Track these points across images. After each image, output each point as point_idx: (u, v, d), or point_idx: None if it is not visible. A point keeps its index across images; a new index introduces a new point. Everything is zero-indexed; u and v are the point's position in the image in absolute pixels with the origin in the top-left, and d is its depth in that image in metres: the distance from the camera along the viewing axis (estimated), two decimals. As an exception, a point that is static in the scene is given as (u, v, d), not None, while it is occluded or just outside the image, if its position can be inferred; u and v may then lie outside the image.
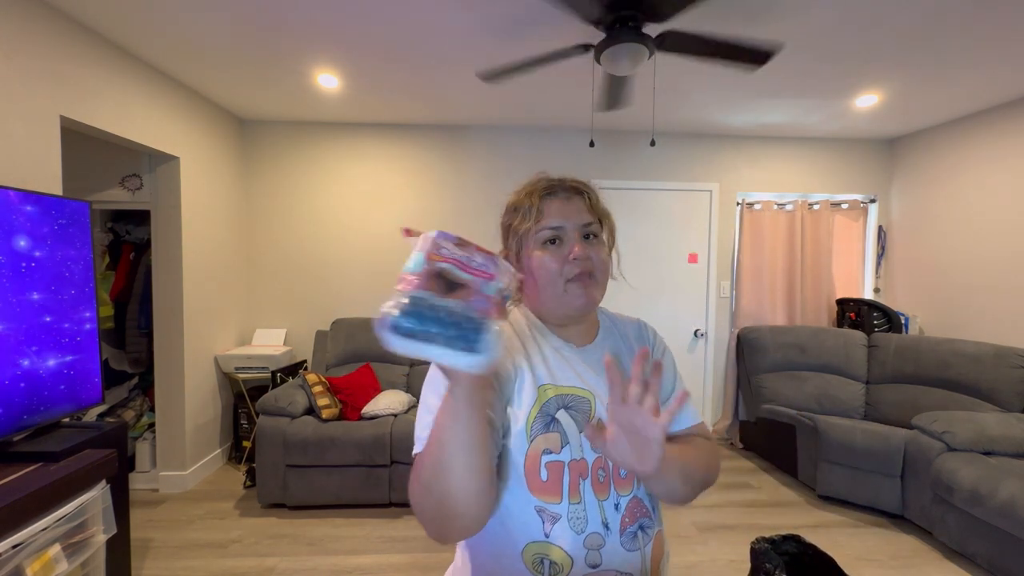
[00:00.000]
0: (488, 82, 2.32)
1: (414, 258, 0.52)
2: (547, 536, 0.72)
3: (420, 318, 0.49)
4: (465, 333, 0.50)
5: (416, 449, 0.71)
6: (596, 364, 0.81)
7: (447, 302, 0.50)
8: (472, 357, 0.50)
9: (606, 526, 0.73)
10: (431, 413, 0.68)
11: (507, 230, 0.83)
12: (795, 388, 3.51)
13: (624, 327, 0.91)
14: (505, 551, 0.73)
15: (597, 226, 0.81)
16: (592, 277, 0.78)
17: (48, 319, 1.76)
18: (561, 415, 0.75)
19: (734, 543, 2.53)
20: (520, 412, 0.74)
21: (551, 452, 0.73)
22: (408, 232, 0.55)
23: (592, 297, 0.78)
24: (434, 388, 0.72)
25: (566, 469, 0.73)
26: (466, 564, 0.79)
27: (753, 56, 2.04)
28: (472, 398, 0.58)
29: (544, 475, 0.72)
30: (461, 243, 0.54)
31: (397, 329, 0.48)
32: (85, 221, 1.93)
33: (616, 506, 0.75)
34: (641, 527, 0.77)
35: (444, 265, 0.52)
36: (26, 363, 1.68)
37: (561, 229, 0.78)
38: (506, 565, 0.73)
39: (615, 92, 2.50)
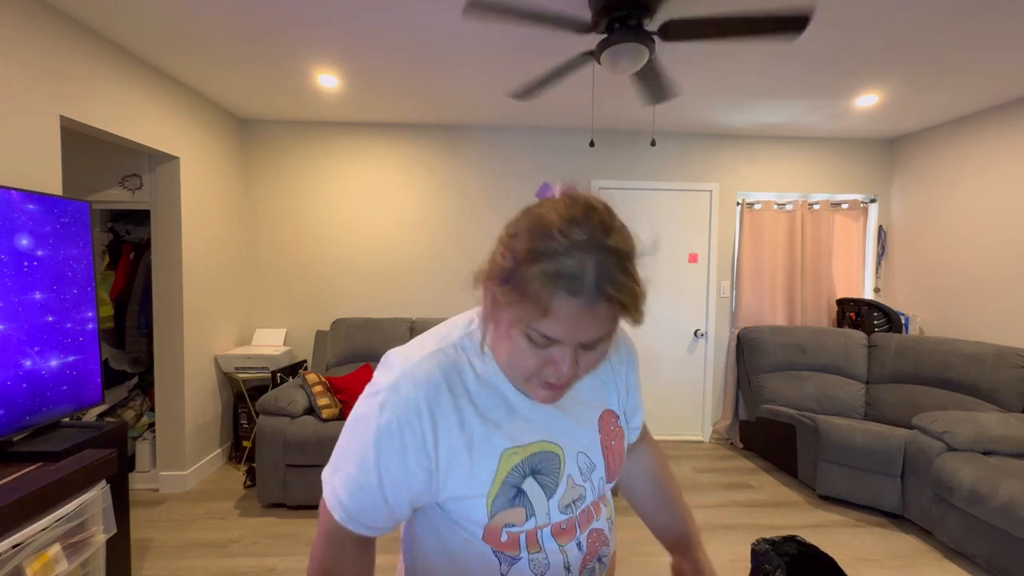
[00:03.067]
0: (471, 12, 1.93)
1: None
2: None
3: None
4: None
5: (337, 513, 0.62)
6: (566, 403, 0.69)
7: None
8: None
9: (568, 569, 0.69)
10: (360, 480, 0.61)
11: (501, 276, 0.56)
12: (795, 388, 3.51)
13: None
14: None
15: (611, 332, 0.58)
16: (567, 387, 0.63)
17: (50, 319, 1.76)
18: (528, 485, 0.65)
19: (734, 543, 2.53)
20: (476, 491, 0.63)
21: (514, 525, 0.64)
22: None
23: (557, 399, 0.65)
24: (368, 454, 0.61)
25: (523, 534, 0.66)
26: (418, 566, 0.72)
27: (787, 24, 1.85)
28: None
29: (503, 538, 0.65)
30: None
31: None
32: (85, 221, 1.93)
33: (579, 545, 0.69)
34: (599, 558, 0.73)
35: None
36: (28, 363, 1.68)
37: (558, 342, 0.56)
38: None
39: (543, 85, 2.44)
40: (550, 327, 0.54)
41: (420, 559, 0.71)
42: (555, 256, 0.52)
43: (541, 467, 0.66)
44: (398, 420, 0.60)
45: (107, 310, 3.23)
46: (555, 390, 0.61)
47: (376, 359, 3.49)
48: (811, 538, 0.82)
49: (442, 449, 0.61)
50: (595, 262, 0.52)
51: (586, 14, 2.10)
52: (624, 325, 0.61)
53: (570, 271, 0.51)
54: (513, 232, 0.56)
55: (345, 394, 3.04)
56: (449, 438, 0.61)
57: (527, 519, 0.64)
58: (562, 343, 0.56)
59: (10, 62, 1.93)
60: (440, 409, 0.61)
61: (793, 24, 1.87)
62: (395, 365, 0.64)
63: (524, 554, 0.65)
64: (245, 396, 3.43)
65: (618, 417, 0.78)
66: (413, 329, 3.61)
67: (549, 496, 0.66)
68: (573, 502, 0.68)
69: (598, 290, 0.52)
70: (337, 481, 0.63)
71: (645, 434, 0.91)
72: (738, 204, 4.02)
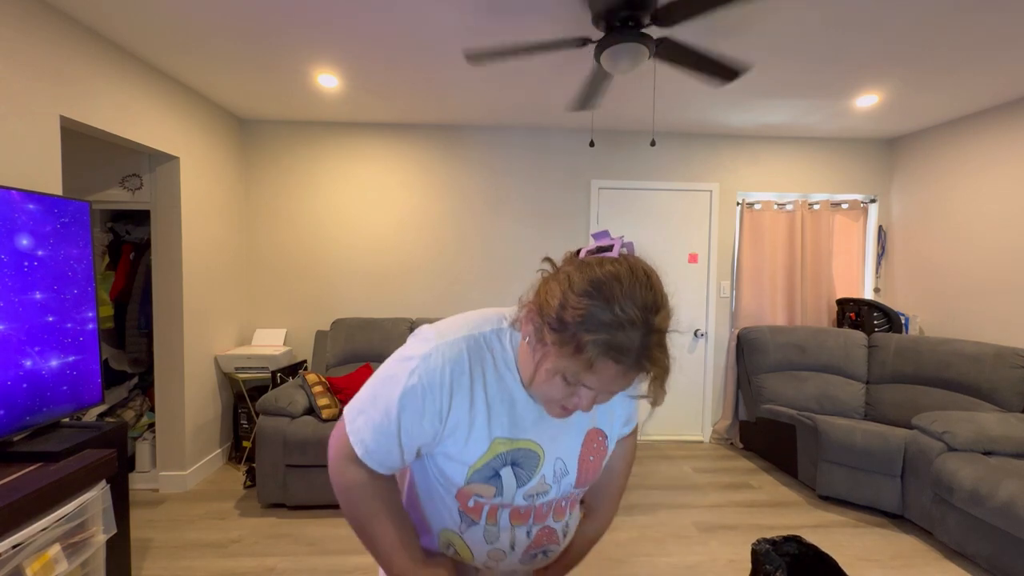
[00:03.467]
0: (473, 63, 2.16)
1: None
2: (460, 533, 0.80)
3: None
4: None
5: (358, 448, 0.73)
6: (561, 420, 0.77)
7: None
8: None
9: (512, 547, 0.80)
10: (383, 427, 0.71)
11: (554, 322, 0.62)
12: (795, 388, 3.51)
13: None
14: (428, 522, 0.83)
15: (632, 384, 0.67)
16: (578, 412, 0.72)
17: (51, 319, 1.76)
18: (505, 472, 0.74)
19: (734, 543, 2.53)
20: (463, 458, 0.73)
21: (481, 496, 0.76)
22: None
23: (567, 416, 0.73)
24: (393, 404, 0.71)
25: (487, 506, 0.77)
26: (407, 493, 0.87)
27: (722, 72, 2.03)
28: None
29: (470, 503, 0.78)
30: None
31: None
32: (85, 221, 1.93)
33: (528, 533, 0.80)
34: (544, 551, 0.84)
35: None
36: (28, 363, 1.68)
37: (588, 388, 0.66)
38: (424, 531, 0.83)
39: (592, 92, 2.45)
40: (589, 380, 0.63)
41: (412, 491, 0.85)
42: (611, 329, 0.59)
43: (521, 461, 0.75)
44: (423, 387, 0.70)
45: (107, 310, 3.23)
46: (568, 413, 0.70)
47: (376, 359, 3.49)
48: (811, 538, 0.82)
49: (451, 419, 0.72)
50: (642, 339, 0.60)
51: (581, 30, 2.11)
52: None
53: (620, 344, 0.59)
54: (577, 291, 0.61)
55: (345, 394, 3.04)
56: (458, 411, 0.71)
57: (495, 496, 0.75)
58: (591, 389, 0.65)
59: (10, 62, 1.93)
60: (458, 387, 0.71)
61: (726, 73, 1.92)
62: (430, 339, 0.73)
63: (483, 522, 0.78)
64: (245, 396, 3.43)
65: (606, 436, 0.84)
66: (413, 328, 3.60)
67: (520, 485, 0.76)
68: (537, 494, 0.78)
69: (638, 362, 0.60)
70: (361, 422, 0.73)
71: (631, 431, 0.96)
72: (738, 204, 4.02)
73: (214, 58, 2.63)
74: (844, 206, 4.07)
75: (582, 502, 0.95)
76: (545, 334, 0.63)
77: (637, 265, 0.64)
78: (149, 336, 3.23)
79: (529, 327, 0.67)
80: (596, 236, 0.69)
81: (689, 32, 2.12)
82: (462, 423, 0.72)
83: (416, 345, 0.73)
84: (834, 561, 0.77)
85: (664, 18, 1.85)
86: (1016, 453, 2.43)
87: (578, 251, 0.69)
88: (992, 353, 2.96)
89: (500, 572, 0.84)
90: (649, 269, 0.65)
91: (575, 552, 0.91)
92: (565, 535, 0.87)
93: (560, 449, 0.78)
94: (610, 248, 0.66)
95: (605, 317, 0.59)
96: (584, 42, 2.00)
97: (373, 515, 0.74)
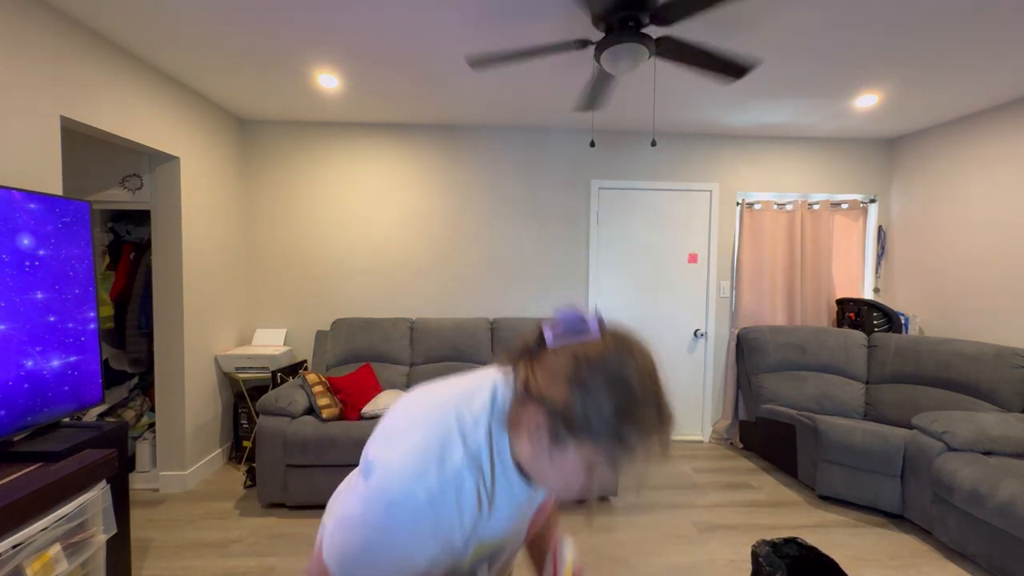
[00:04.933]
0: (477, 68, 2.24)
1: None
2: None
3: None
4: None
5: None
6: (529, 500, 0.76)
7: None
8: None
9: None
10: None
11: (577, 426, 0.60)
12: (795, 388, 3.52)
13: None
14: None
15: None
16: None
17: (52, 319, 1.76)
18: (480, 568, 0.77)
19: (734, 543, 2.53)
20: (446, 561, 0.70)
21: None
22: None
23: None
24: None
25: None
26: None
27: (730, 68, 2.10)
28: None
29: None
30: None
31: None
32: (86, 220, 1.93)
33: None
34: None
35: None
36: (30, 363, 1.68)
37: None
38: None
39: (596, 93, 2.48)
40: (625, 461, 0.62)
41: None
42: (648, 430, 0.61)
43: (493, 556, 0.78)
44: (433, 529, 0.65)
45: (107, 310, 3.23)
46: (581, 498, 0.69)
47: (376, 359, 3.49)
48: (811, 538, 0.82)
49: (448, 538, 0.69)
50: (667, 427, 0.63)
51: (581, 30, 2.14)
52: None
53: (660, 437, 0.62)
54: (590, 387, 0.60)
55: (345, 394, 3.04)
56: (452, 533, 0.69)
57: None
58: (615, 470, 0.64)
59: (10, 62, 1.93)
60: (466, 513, 0.67)
61: (734, 70, 2.10)
62: (446, 465, 0.64)
63: None
64: (245, 396, 3.43)
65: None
66: (413, 328, 3.61)
67: (489, 569, 0.79)
68: (498, 565, 0.82)
69: (664, 448, 0.63)
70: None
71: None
72: (738, 204, 4.02)
73: (214, 58, 2.63)
74: (844, 206, 4.07)
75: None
76: (568, 441, 0.61)
77: (629, 341, 0.64)
78: (149, 336, 3.23)
79: (539, 433, 0.63)
80: (563, 316, 0.66)
81: (690, 32, 2.13)
82: (456, 541, 0.69)
83: (415, 477, 0.64)
84: (834, 563, 0.77)
85: (663, 17, 1.86)
86: (1016, 453, 2.43)
87: (541, 334, 0.66)
88: (992, 353, 2.96)
89: None
90: (632, 338, 0.65)
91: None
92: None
93: (520, 536, 0.83)
94: (585, 328, 0.64)
95: (644, 418, 0.60)
96: (584, 44, 2.01)
97: None
